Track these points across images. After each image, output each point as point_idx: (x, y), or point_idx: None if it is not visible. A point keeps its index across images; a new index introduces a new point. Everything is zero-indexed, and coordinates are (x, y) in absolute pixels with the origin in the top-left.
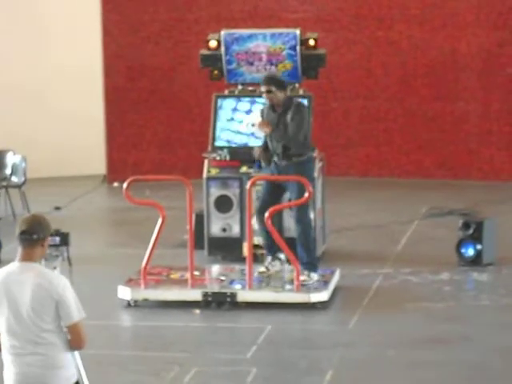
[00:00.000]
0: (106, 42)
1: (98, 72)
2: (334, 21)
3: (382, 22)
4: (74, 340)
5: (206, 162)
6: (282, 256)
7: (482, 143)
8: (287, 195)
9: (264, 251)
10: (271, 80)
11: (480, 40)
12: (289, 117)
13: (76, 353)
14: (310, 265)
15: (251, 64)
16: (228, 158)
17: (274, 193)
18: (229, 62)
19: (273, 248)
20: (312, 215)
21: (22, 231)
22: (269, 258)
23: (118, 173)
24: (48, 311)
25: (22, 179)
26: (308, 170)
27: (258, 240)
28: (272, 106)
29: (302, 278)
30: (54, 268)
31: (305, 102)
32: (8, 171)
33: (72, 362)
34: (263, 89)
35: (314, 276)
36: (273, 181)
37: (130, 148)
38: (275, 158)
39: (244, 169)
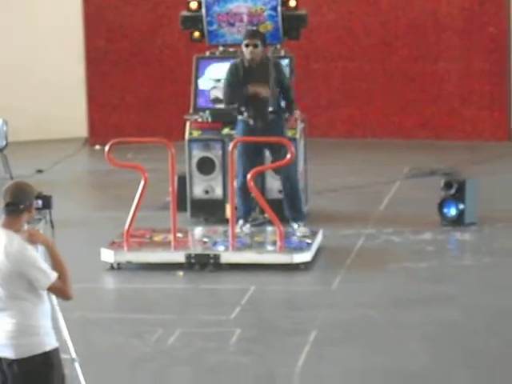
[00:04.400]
0: (86, 3)
1: (78, 34)
2: None
3: None
4: (60, 297)
5: (187, 123)
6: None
7: (463, 103)
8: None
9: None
10: (258, 34)
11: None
12: (271, 73)
13: (59, 317)
14: (299, 215)
15: (232, 25)
16: (210, 119)
17: (254, 154)
18: (210, 24)
19: (247, 212)
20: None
21: (8, 203)
22: (240, 222)
23: (100, 135)
24: (16, 280)
25: (4, 143)
26: (284, 127)
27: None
28: (244, 62)
29: (299, 233)
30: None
31: (286, 62)
32: None
33: (47, 329)
34: (248, 42)
35: (301, 227)
36: (252, 143)
37: (112, 110)
38: (250, 120)
39: (226, 130)
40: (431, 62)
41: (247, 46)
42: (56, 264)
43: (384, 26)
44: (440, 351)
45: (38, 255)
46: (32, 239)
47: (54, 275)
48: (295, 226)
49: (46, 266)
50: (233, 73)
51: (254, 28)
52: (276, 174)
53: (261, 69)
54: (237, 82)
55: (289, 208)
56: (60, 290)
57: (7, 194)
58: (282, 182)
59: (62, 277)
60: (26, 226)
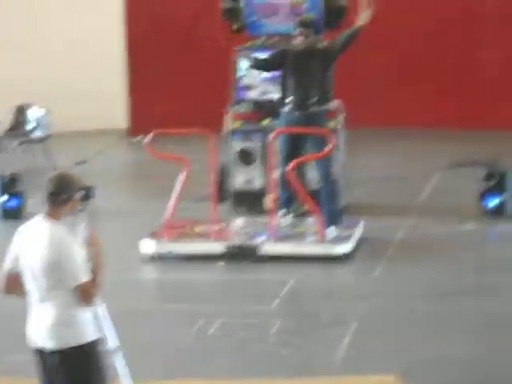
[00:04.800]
0: None
1: (119, 23)
2: None
3: None
4: (82, 299)
5: (228, 115)
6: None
7: (506, 93)
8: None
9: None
10: (309, 24)
11: None
12: (316, 64)
13: (100, 309)
14: (334, 218)
15: (272, 16)
16: (250, 110)
17: (295, 144)
18: (249, 15)
19: (289, 201)
20: (336, 168)
21: (51, 193)
22: (282, 211)
23: (140, 126)
24: (57, 270)
25: (46, 133)
26: (325, 120)
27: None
28: (294, 51)
29: (330, 236)
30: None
31: None
32: (32, 125)
33: (85, 321)
34: (301, 32)
35: (333, 231)
36: (293, 133)
37: (153, 101)
38: (288, 109)
39: (266, 121)
40: (475, 51)
41: (299, 34)
42: (95, 269)
43: (428, 15)
44: (485, 341)
45: (78, 251)
46: (91, 241)
47: (84, 278)
48: (329, 229)
49: (82, 264)
50: (280, 55)
51: (304, 17)
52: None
53: (308, 57)
54: (283, 66)
55: (324, 209)
56: (85, 293)
57: (50, 184)
58: (319, 179)
59: (93, 282)
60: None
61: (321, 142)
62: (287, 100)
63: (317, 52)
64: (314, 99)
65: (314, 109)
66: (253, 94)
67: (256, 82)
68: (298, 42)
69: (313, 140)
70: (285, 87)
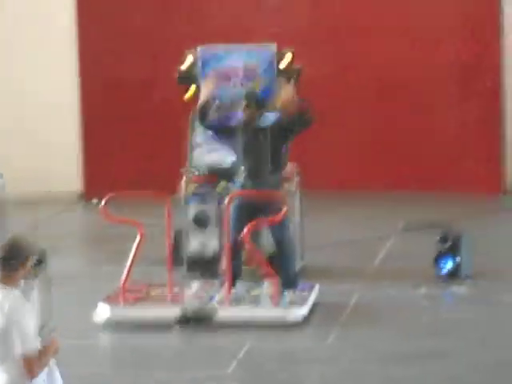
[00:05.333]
0: (82, 54)
1: (74, 87)
2: (310, 35)
3: (358, 34)
4: (25, 370)
5: (183, 178)
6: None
7: (458, 156)
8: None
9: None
10: (251, 95)
11: (456, 51)
12: (267, 134)
13: (55, 374)
14: (289, 282)
15: (227, 81)
16: (206, 173)
17: (248, 211)
18: (204, 79)
19: (235, 274)
20: (290, 231)
21: (2, 258)
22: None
23: (96, 190)
24: (8, 338)
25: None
26: (280, 188)
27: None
28: (246, 122)
29: (288, 299)
30: (33, 287)
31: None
32: None
33: None
34: (245, 104)
35: (290, 294)
36: (245, 199)
37: (108, 164)
38: (242, 178)
39: (221, 185)
40: (427, 113)
41: (243, 107)
42: (44, 351)
43: (380, 79)
44: None
45: (29, 320)
46: (52, 346)
47: (31, 349)
48: (285, 293)
49: (31, 334)
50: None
51: (250, 89)
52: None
53: (260, 128)
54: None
55: (280, 272)
56: (29, 365)
57: (2, 250)
58: (274, 244)
59: (39, 355)
60: (22, 282)
61: (274, 207)
62: (240, 169)
63: (263, 127)
64: (267, 169)
65: (267, 178)
66: (208, 158)
67: (203, 139)
68: (244, 114)
69: (266, 208)
70: (237, 156)
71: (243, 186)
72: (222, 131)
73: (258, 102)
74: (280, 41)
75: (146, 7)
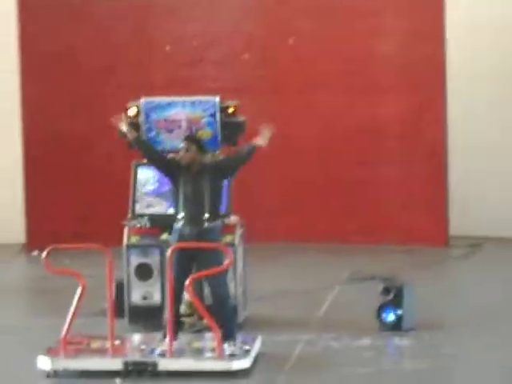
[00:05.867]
0: (25, 110)
1: (17, 142)
2: (253, 88)
3: (302, 89)
4: None
5: (125, 229)
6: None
7: (401, 208)
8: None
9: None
10: (191, 138)
11: (398, 105)
12: (207, 179)
13: None
14: (228, 335)
15: (171, 131)
16: (148, 225)
17: (188, 260)
18: (148, 130)
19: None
20: (232, 283)
21: None
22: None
23: (37, 241)
24: None
25: None
26: (218, 235)
27: (182, 307)
28: (183, 168)
29: (228, 352)
30: None
31: None
32: None
33: None
34: (184, 145)
35: (231, 346)
36: (185, 249)
37: (49, 216)
38: (180, 225)
39: (164, 236)
40: (370, 167)
41: (182, 148)
42: None
43: (324, 132)
44: None
45: None
46: None
47: None
48: (225, 345)
49: None
50: (172, 162)
51: (190, 132)
52: (208, 286)
53: (198, 174)
54: (173, 172)
55: (219, 324)
56: None
57: None
58: (211, 295)
59: None
60: None
61: (214, 257)
62: (179, 215)
63: (203, 167)
64: (206, 214)
65: (205, 224)
66: (151, 209)
67: (141, 195)
68: (181, 155)
69: (206, 255)
70: (176, 201)
71: (181, 233)
72: (164, 167)
73: (198, 145)
74: (224, 94)
75: (89, 64)
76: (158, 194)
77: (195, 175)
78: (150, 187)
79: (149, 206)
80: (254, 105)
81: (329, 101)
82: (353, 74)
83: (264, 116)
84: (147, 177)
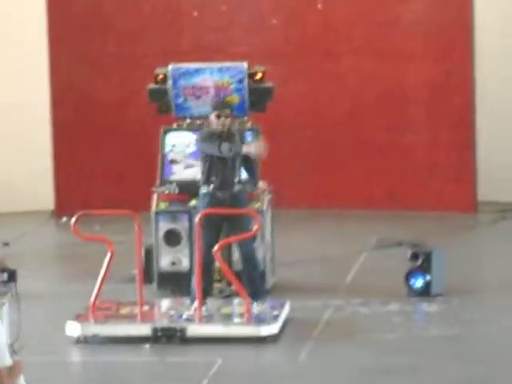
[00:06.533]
0: (54, 75)
1: (45, 105)
2: (281, 53)
3: (330, 54)
4: None
5: (154, 195)
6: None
7: (429, 174)
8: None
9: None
10: (227, 105)
11: (426, 72)
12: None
13: None
14: (258, 295)
15: (198, 98)
16: (177, 191)
17: (217, 227)
18: (176, 96)
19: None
20: (260, 249)
21: None
22: (195, 303)
23: (67, 208)
24: None
25: None
26: (248, 202)
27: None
28: (212, 133)
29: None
30: (3, 304)
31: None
32: None
33: None
34: (220, 113)
35: (260, 308)
36: (216, 215)
37: (79, 182)
38: (211, 189)
39: (193, 202)
40: (398, 133)
41: (219, 116)
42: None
43: (351, 98)
44: None
45: (1, 334)
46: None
47: (5, 361)
48: (254, 305)
49: (3, 349)
50: (207, 138)
51: (222, 98)
52: (239, 250)
53: (229, 139)
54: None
55: (247, 286)
56: (4, 378)
57: None
58: (240, 259)
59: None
60: None
61: (244, 222)
62: (210, 179)
63: (233, 134)
64: (237, 179)
65: (236, 189)
66: (179, 174)
67: (181, 157)
68: (219, 123)
69: (236, 221)
70: (207, 166)
71: (213, 197)
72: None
73: (231, 110)
74: (251, 60)
75: (117, 28)
76: (187, 154)
77: (227, 139)
78: (191, 149)
79: (188, 167)
80: (281, 70)
81: (357, 66)
82: (381, 39)
83: (292, 81)
84: (189, 140)
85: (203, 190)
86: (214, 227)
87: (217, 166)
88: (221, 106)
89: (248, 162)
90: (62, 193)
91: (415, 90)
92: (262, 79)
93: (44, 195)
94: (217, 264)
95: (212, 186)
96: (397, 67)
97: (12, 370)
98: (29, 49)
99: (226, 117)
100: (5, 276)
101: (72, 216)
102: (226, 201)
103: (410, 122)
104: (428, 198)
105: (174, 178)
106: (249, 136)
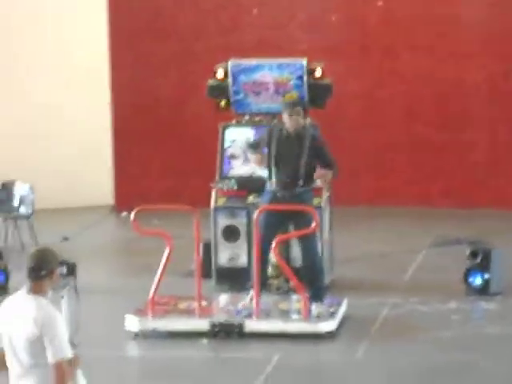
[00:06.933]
0: (115, 73)
1: (106, 103)
2: (341, 51)
3: (388, 51)
4: (54, 378)
5: (213, 191)
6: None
7: (489, 173)
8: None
9: (252, 282)
10: (300, 104)
11: (485, 69)
12: (307, 145)
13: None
14: (316, 296)
15: (258, 94)
16: (235, 187)
17: (277, 223)
18: (236, 93)
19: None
20: (319, 245)
21: (31, 268)
22: (251, 292)
23: (126, 203)
24: (37, 346)
25: (30, 210)
26: (311, 199)
27: (269, 270)
28: (283, 131)
29: (315, 313)
30: (62, 297)
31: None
32: (16, 202)
33: None
34: (292, 112)
35: (318, 307)
36: (274, 211)
37: (138, 178)
38: (274, 187)
39: (251, 198)
40: (457, 131)
41: (291, 115)
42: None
43: (410, 96)
44: None
45: (61, 327)
46: (75, 362)
47: (67, 354)
48: (313, 306)
49: (64, 341)
50: (273, 137)
51: (290, 96)
52: (300, 247)
53: (297, 138)
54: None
55: (307, 285)
56: (61, 373)
57: (30, 259)
58: (302, 257)
59: (71, 362)
60: (50, 293)
61: (305, 220)
62: (272, 178)
63: (303, 133)
64: (300, 179)
65: (299, 189)
66: (238, 170)
67: (240, 152)
68: (291, 123)
69: (296, 218)
70: (271, 165)
71: (274, 195)
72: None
73: (304, 110)
74: (310, 57)
75: (178, 25)
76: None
77: (294, 139)
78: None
79: (247, 163)
80: (340, 66)
81: (415, 63)
82: (440, 37)
83: (350, 78)
84: (249, 135)
85: (267, 186)
86: (273, 224)
87: (280, 165)
88: (293, 105)
89: (320, 154)
90: (121, 188)
91: (475, 87)
92: (321, 76)
93: (104, 190)
94: (275, 260)
95: (274, 184)
96: (456, 65)
97: (70, 364)
98: (91, 48)
99: (298, 115)
100: (64, 270)
101: (132, 211)
102: (285, 200)
103: (470, 120)
104: (487, 195)
105: (232, 173)
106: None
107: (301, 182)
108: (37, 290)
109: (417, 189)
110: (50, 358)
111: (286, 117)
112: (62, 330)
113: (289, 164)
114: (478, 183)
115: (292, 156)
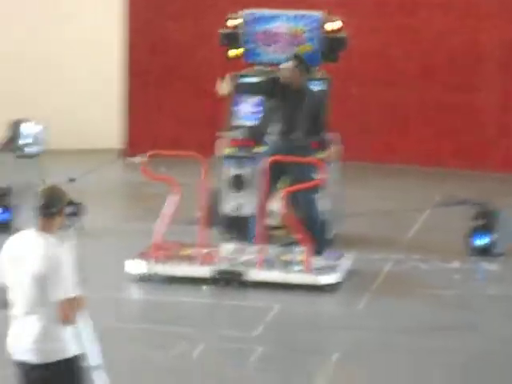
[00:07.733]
0: (130, 17)
1: (121, 47)
2: (357, 6)
3: (405, 9)
4: (61, 315)
5: (221, 140)
6: None
7: (499, 134)
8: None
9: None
10: (299, 58)
11: (501, 31)
12: (306, 104)
13: (84, 327)
14: (319, 247)
15: (269, 45)
16: (243, 137)
17: (277, 174)
18: (247, 42)
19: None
20: (325, 199)
21: (41, 205)
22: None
23: (136, 147)
24: (47, 283)
25: (42, 149)
26: (309, 152)
27: (270, 221)
28: (282, 85)
29: (316, 266)
30: (68, 237)
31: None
32: (28, 140)
33: (69, 336)
34: (283, 64)
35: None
36: (275, 163)
37: (149, 123)
38: (273, 139)
39: (259, 148)
40: (469, 92)
41: (282, 67)
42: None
43: (424, 54)
44: (458, 380)
45: (68, 265)
46: (80, 303)
47: (72, 293)
48: (313, 260)
49: (70, 279)
50: (271, 83)
51: (297, 53)
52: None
53: (297, 96)
54: (272, 97)
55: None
56: (66, 311)
57: (41, 197)
58: (295, 208)
59: (77, 300)
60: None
61: (305, 172)
62: (273, 129)
63: (303, 92)
64: (299, 131)
65: (298, 140)
66: (246, 120)
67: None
68: (281, 73)
69: (297, 169)
70: (271, 115)
71: (273, 146)
72: (265, 91)
73: (306, 65)
74: (326, 9)
75: None
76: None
77: (294, 93)
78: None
79: (255, 112)
80: (355, 22)
81: (430, 22)
82: None
83: (366, 34)
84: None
85: (267, 137)
86: (273, 175)
87: (280, 116)
88: (291, 57)
89: (315, 113)
90: (132, 132)
91: (489, 48)
92: (336, 29)
93: (115, 134)
94: (279, 211)
95: (274, 135)
96: (472, 24)
97: (75, 303)
98: None
99: (296, 66)
100: (71, 209)
101: (141, 155)
102: (284, 151)
103: (482, 82)
104: (496, 158)
105: (240, 123)
106: (318, 85)
107: (300, 133)
108: (46, 227)
109: (427, 148)
110: (55, 297)
111: (283, 67)
112: (69, 270)
113: (288, 114)
114: (488, 145)
115: (291, 107)
